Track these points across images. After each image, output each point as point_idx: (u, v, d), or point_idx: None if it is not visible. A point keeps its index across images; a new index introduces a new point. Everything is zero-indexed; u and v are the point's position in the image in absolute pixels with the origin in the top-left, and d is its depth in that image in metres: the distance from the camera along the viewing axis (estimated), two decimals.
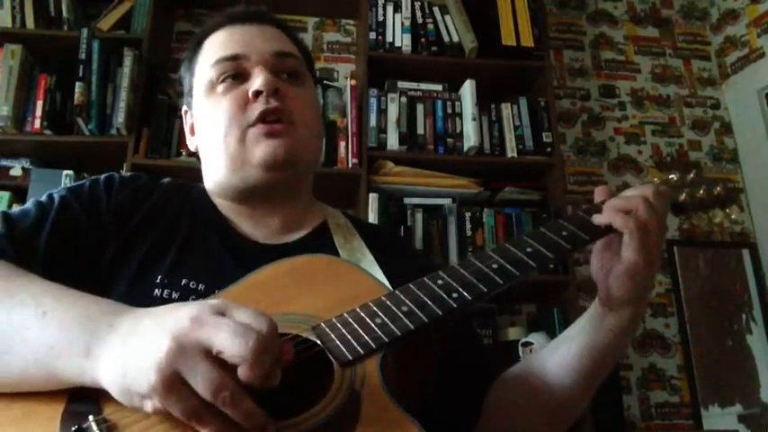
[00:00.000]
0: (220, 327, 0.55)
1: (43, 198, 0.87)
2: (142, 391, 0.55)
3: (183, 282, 0.82)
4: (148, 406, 0.56)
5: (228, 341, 0.54)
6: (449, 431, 0.84)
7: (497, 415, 0.87)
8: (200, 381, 0.53)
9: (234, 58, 0.93)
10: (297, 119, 0.91)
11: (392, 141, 2.46)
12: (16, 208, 0.94)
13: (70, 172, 2.33)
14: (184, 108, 1.05)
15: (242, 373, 0.54)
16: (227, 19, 0.99)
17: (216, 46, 0.96)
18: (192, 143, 1.03)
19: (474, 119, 2.50)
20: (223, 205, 0.97)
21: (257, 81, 0.89)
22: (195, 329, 0.55)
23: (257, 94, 0.89)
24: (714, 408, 2.66)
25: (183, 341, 0.55)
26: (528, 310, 2.70)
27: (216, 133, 0.92)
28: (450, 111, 2.56)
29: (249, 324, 0.56)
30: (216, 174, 0.95)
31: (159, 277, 0.82)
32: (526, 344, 2.33)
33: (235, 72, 0.92)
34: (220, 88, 0.93)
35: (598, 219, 0.77)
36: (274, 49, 0.95)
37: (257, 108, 0.89)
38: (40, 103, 2.35)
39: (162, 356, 0.54)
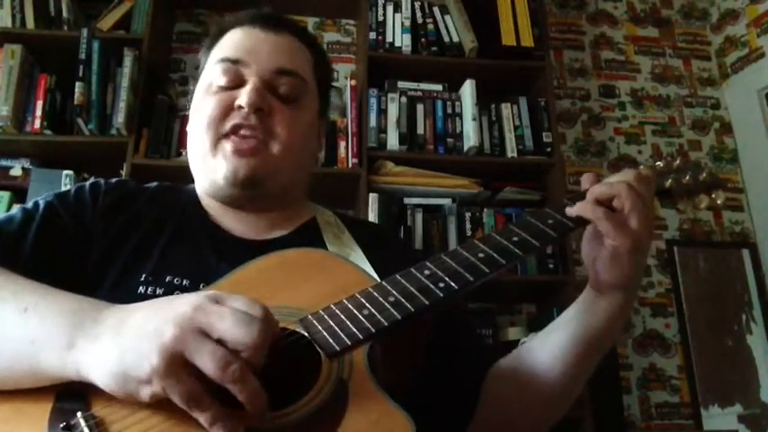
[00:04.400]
0: (223, 314, 0.57)
1: (29, 204, 0.88)
2: (141, 374, 0.55)
3: (168, 278, 0.82)
4: (146, 391, 0.56)
5: (232, 328, 0.56)
6: (447, 421, 0.84)
7: (492, 406, 0.87)
8: (209, 357, 0.55)
9: (234, 62, 0.91)
10: (276, 140, 0.90)
11: (392, 141, 2.46)
12: (14, 209, 0.95)
13: (70, 172, 2.34)
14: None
15: (245, 357, 0.55)
16: (248, 18, 0.97)
17: (226, 44, 0.95)
18: None
19: (474, 119, 2.50)
20: (211, 205, 0.97)
21: (243, 95, 0.88)
22: (198, 316, 0.57)
23: (240, 107, 0.88)
24: (714, 408, 2.65)
25: (186, 326, 0.56)
26: (528, 310, 2.70)
27: (195, 131, 0.93)
28: (450, 111, 2.56)
29: (248, 312, 0.57)
30: (194, 170, 0.96)
31: (144, 275, 0.83)
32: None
33: (232, 76, 0.91)
34: (214, 89, 0.92)
35: (569, 210, 0.77)
36: (277, 65, 0.92)
37: (233, 120, 0.89)
38: (40, 103, 2.35)
39: (166, 339, 0.55)
